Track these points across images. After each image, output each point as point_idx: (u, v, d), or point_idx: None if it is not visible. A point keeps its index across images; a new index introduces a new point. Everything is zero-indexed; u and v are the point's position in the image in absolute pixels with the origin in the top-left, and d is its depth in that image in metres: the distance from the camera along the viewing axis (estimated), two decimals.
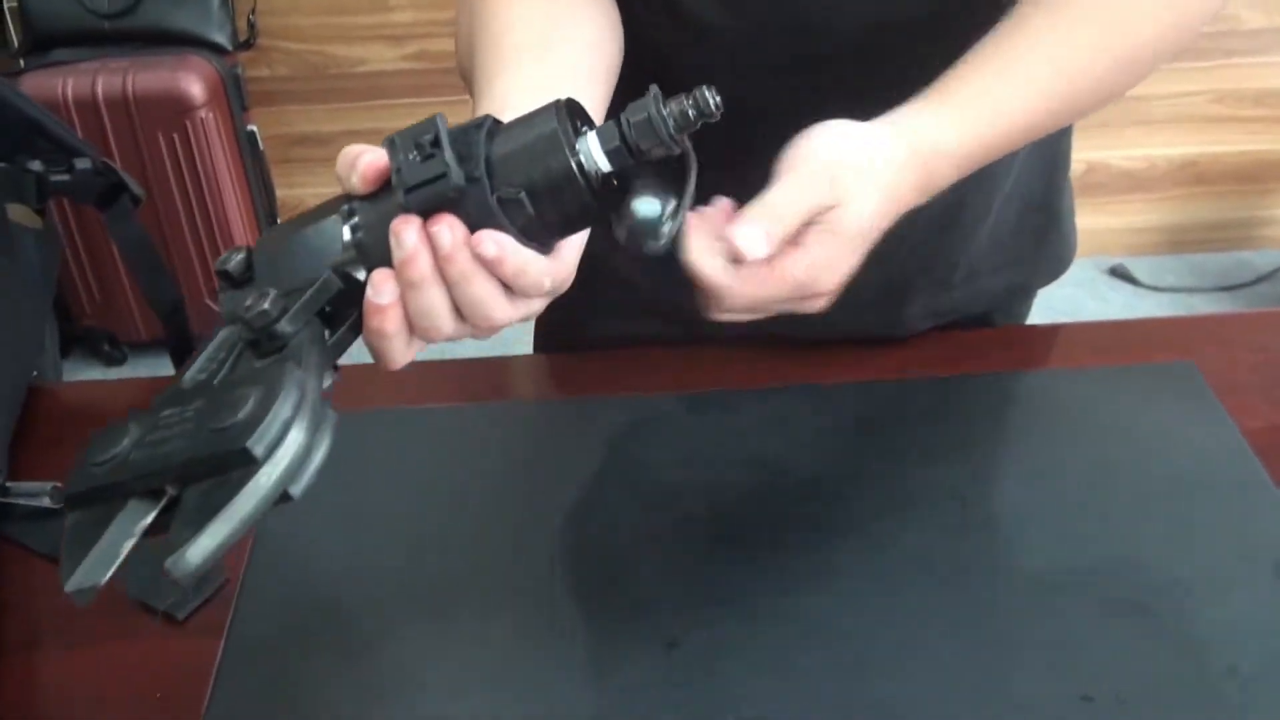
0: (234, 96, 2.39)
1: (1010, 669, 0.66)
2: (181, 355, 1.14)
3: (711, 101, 0.50)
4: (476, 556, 0.75)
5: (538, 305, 0.54)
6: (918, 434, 0.82)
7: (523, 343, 1.01)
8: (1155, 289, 2.69)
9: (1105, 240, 2.77)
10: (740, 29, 0.75)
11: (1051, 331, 0.95)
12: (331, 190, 2.18)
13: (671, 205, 0.53)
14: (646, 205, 0.52)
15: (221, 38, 2.39)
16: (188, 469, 0.46)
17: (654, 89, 0.51)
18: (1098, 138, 2.66)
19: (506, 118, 0.53)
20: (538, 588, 0.72)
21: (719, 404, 0.86)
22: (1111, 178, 2.72)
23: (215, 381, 0.50)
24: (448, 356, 0.87)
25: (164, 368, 2.64)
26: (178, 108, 2.28)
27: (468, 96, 0.71)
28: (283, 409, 0.45)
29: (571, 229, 0.52)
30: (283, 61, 2.54)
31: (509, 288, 0.52)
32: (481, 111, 0.56)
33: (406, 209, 0.50)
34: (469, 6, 0.72)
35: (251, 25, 2.46)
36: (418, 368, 0.57)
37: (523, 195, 0.49)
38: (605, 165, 0.50)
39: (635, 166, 0.51)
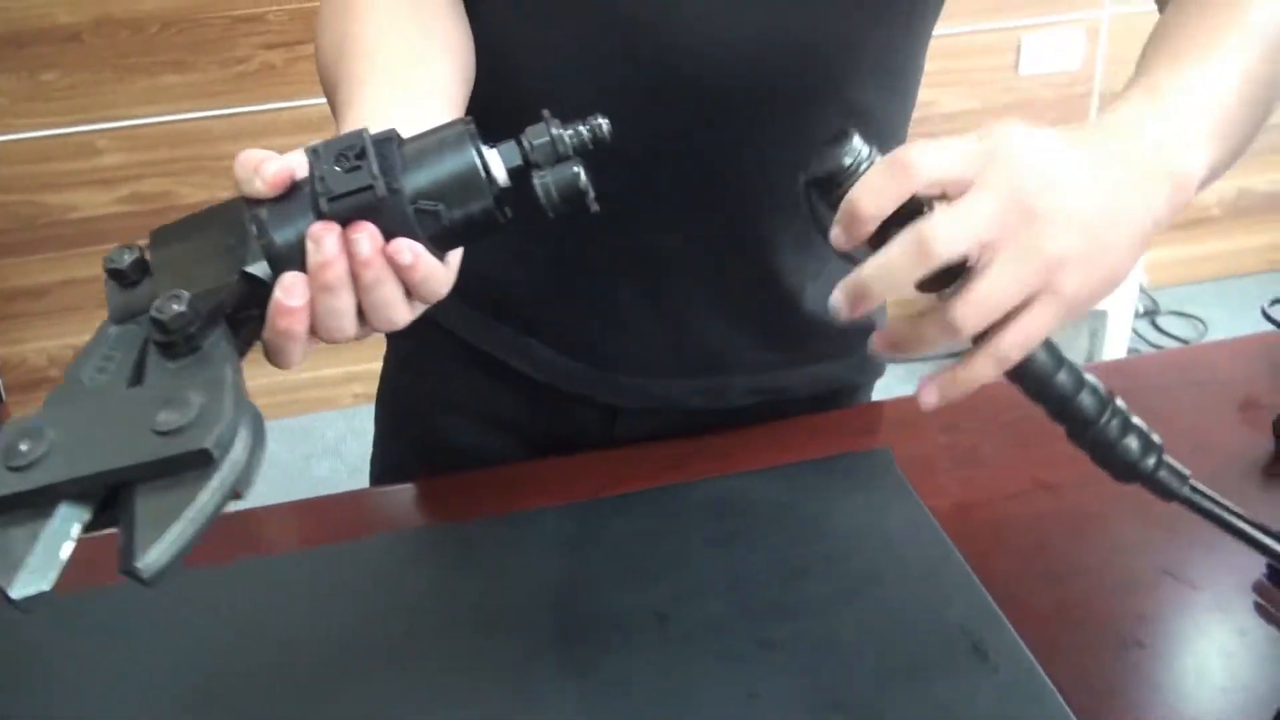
0: None
1: None
2: None
3: (604, 127, 0.56)
4: None
5: (423, 309, 0.58)
6: (620, 552, 0.81)
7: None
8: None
9: None
10: (582, 31, 0.77)
11: (755, 432, 0.95)
12: (57, 343, 2.12)
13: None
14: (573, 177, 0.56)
15: None
16: (137, 471, 0.46)
17: (546, 113, 0.56)
18: None
19: (375, 127, 0.57)
20: None
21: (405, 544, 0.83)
22: None
23: (126, 383, 0.51)
24: None
25: None
26: None
27: None
28: (230, 409, 0.47)
29: (470, 239, 0.56)
30: None
31: (410, 292, 0.55)
32: (351, 117, 0.62)
33: (327, 216, 0.53)
34: (337, 16, 0.73)
35: None
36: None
37: (440, 207, 0.54)
38: (504, 181, 0.55)
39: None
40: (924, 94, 2.99)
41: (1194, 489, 0.65)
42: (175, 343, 0.50)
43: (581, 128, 0.56)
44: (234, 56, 2.42)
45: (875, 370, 1.03)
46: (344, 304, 0.53)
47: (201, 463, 0.45)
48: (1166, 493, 0.65)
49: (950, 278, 0.57)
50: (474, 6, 0.78)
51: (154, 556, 0.44)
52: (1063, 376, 0.63)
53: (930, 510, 0.84)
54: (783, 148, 0.80)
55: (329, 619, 0.77)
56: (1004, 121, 0.57)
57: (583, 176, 0.55)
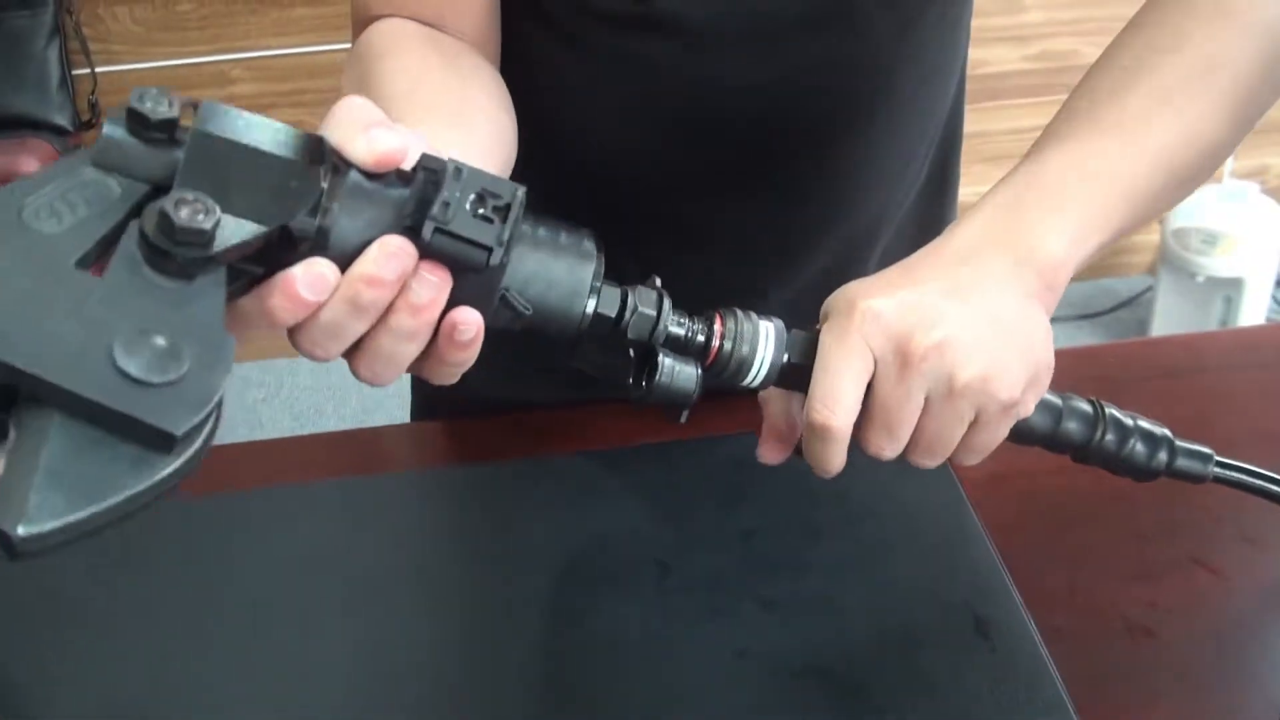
0: None
1: None
2: None
3: (717, 334, 0.53)
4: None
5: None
6: (630, 501, 0.81)
7: None
8: None
9: None
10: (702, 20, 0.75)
11: None
12: None
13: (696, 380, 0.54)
14: (686, 379, 0.53)
15: (62, 119, 2.37)
16: (73, 402, 0.34)
17: (658, 281, 0.52)
18: None
19: None
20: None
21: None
22: None
23: (79, 252, 0.38)
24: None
25: None
26: None
27: None
28: (216, 394, 0.37)
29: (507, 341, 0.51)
30: None
31: (426, 363, 0.48)
32: None
33: (418, 242, 0.44)
34: (360, 60, 0.67)
35: (93, 105, 2.43)
36: None
37: (529, 310, 0.47)
38: (589, 319, 0.50)
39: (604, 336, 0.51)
40: (1063, 44, 2.88)
41: (1221, 464, 0.65)
42: (171, 256, 0.39)
43: (695, 324, 0.53)
44: None
45: None
46: (351, 332, 0.44)
47: (156, 445, 0.35)
48: (1195, 479, 0.65)
49: None
50: (518, 78, 0.76)
51: (43, 526, 0.33)
52: (1037, 419, 0.62)
53: (961, 479, 0.82)
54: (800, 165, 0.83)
55: (331, 551, 0.79)
56: (841, 296, 0.57)
57: (696, 390, 0.53)
